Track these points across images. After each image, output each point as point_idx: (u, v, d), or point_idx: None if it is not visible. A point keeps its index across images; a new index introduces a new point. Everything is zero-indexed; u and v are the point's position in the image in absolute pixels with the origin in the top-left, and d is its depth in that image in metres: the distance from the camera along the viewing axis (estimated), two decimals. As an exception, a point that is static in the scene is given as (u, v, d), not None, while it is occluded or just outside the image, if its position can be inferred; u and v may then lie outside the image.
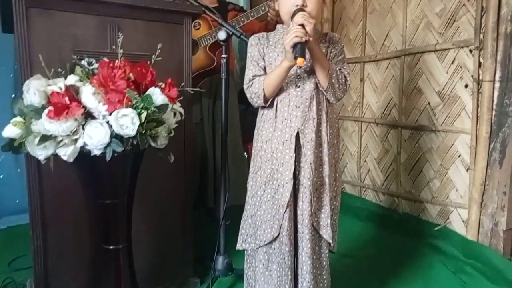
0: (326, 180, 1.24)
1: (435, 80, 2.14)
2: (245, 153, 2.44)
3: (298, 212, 1.23)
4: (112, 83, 1.03)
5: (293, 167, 1.19)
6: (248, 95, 1.27)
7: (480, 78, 1.87)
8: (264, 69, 1.27)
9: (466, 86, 1.99)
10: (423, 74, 2.21)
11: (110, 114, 1.04)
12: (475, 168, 1.91)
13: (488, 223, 1.89)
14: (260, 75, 1.25)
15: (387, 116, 2.48)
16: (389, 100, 2.46)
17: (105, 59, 1.13)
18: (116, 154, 1.05)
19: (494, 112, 1.82)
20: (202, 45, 2.13)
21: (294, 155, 1.20)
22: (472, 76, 1.93)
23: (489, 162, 1.86)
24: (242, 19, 2.04)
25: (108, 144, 1.03)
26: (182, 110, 1.30)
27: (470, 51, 1.94)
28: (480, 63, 1.88)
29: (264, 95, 1.22)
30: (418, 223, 2.27)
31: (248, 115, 2.64)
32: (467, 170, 2.00)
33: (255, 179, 1.31)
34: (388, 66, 2.45)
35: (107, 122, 1.04)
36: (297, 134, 1.21)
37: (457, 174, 2.07)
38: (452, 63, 2.04)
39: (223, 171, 1.65)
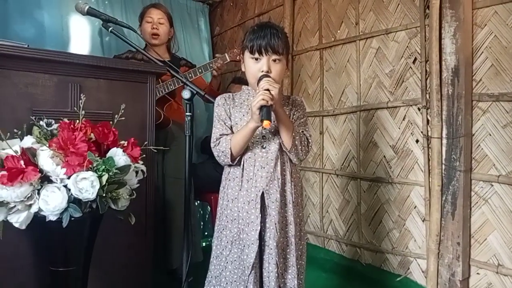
0: (292, 240, 1.24)
1: (389, 134, 2.27)
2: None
3: (264, 273, 1.20)
4: (72, 145, 1.00)
5: (259, 227, 1.19)
6: (215, 153, 1.29)
7: (429, 134, 2.00)
8: (231, 128, 1.30)
9: (417, 141, 2.12)
10: (377, 129, 2.34)
11: (69, 178, 1.00)
12: (431, 219, 1.99)
13: (446, 273, 1.94)
14: (227, 134, 1.28)
15: (346, 168, 2.57)
16: (347, 152, 2.56)
17: (65, 120, 1.10)
18: (73, 219, 1.00)
19: (443, 167, 1.93)
20: None
21: (260, 215, 1.20)
22: (421, 132, 2.07)
23: (443, 214, 1.95)
24: (190, 75, 2.09)
25: (65, 209, 0.99)
26: (144, 168, 1.27)
27: (419, 109, 2.09)
28: (428, 121, 2.02)
29: (231, 154, 1.24)
30: (381, 274, 2.29)
31: (207, 168, 2.66)
32: (423, 221, 2.09)
33: (220, 239, 1.28)
34: (345, 120, 2.57)
35: (65, 186, 1.00)
36: (262, 194, 1.22)
37: (414, 225, 2.14)
38: (403, 119, 2.19)
39: (186, 229, 1.60)
